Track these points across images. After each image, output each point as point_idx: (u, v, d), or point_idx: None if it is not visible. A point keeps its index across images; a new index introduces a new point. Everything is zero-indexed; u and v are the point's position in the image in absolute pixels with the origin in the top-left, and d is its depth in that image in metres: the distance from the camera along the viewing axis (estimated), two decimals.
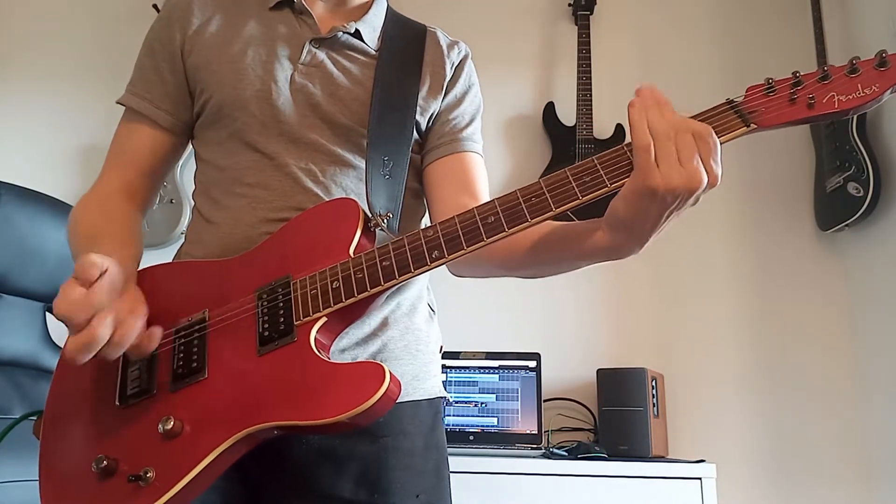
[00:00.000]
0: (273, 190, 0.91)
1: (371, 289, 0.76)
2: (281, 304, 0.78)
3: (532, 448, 2.00)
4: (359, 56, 1.00)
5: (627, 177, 0.71)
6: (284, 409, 0.72)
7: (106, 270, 0.74)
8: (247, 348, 0.78)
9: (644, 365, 2.02)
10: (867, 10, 2.28)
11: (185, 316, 0.83)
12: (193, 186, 1.03)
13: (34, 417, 0.87)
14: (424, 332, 0.97)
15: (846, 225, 2.17)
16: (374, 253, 0.78)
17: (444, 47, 1.06)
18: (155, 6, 2.49)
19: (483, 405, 2.09)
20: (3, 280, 1.54)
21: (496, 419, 2.07)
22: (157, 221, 2.42)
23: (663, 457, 2.00)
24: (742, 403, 2.24)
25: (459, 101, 1.04)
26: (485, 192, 1.00)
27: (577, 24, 2.49)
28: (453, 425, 2.05)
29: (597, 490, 1.77)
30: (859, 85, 0.71)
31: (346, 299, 0.76)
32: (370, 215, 0.85)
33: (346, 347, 0.88)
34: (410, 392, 0.91)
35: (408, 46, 1.04)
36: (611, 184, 0.72)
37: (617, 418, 1.96)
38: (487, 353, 2.15)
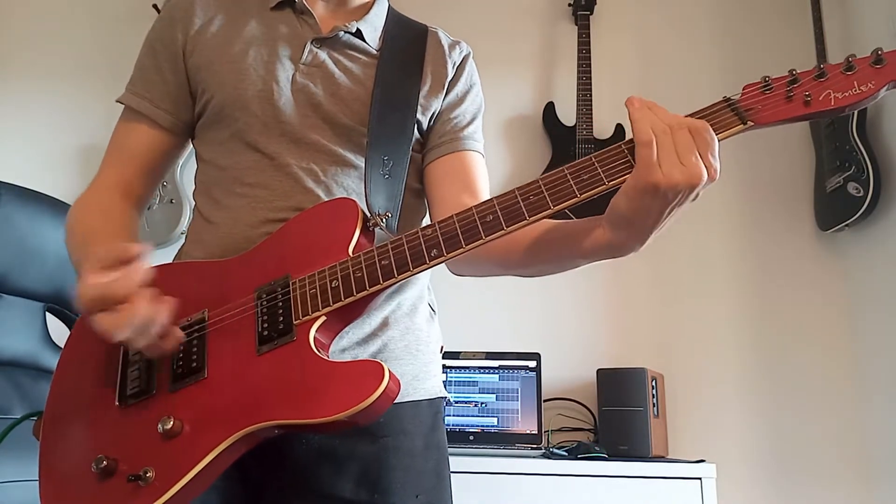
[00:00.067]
0: (273, 190, 0.91)
1: (370, 288, 0.76)
2: (280, 304, 0.78)
3: (532, 448, 2.00)
4: (360, 56, 1.00)
5: (625, 175, 0.72)
6: (284, 408, 0.72)
7: (138, 254, 0.74)
8: (246, 348, 0.78)
9: (644, 365, 2.02)
10: (867, 10, 2.28)
11: (184, 316, 0.83)
12: (194, 186, 1.03)
13: (34, 418, 0.87)
14: (425, 332, 0.97)
15: (846, 225, 2.17)
16: (373, 252, 0.78)
17: (446, 47, 1.06)
18: (155, 6, 2.49)
19: (483, 405, 2.09)
20: (3, 280, 1.54)
21: (496, 419, 2.07)
22: (157, 221, 2.42)
23: (663, 457, 2.00)
24: (742, 403, 2.24)
25: (461, 101, 1.04)
26: (486, 191, 1.00)
27: (577, 24, 2.49)
28: (453, 425, 2.05)
29: (597, 490, 1.77)
30: (855, 82, 0.72)
31: (345, 298, 0.76)
32: (369, 215, 0.85)
33: (347, 347, 0.88)
34: (411, 392, 0.92)
35: (409, 46, 1.04)
36: (608, 181, 0.73)
37: (617, 418, 1.96)
38: (487, 353, 2.15)
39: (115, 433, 0.79)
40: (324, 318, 0.76)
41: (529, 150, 2.49)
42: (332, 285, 0.77)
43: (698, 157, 0.69)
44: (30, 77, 2.70)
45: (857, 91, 0.71)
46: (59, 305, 1.64)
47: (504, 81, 2.52)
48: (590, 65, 2.43)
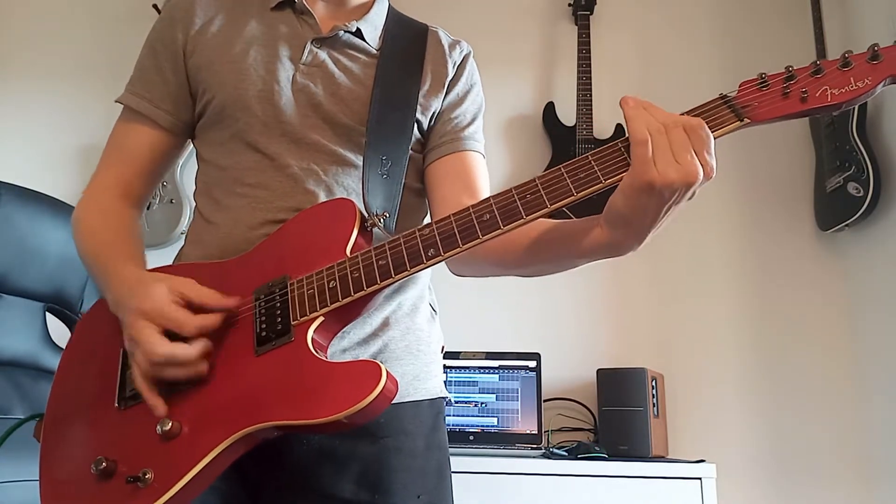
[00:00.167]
0: (274, 190, 0.91)
1: (367, 288, 0.76)
2: (278, 305, 0.78)
3: (532, 448, 2.00)
4: (360, 55, 1.00)
5: (622, 173, 0.72)
6: (282, 408, 0.72)
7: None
8: (244, 349, 0.78)
9: (644, 365, 2.02)
10: (867, 10, 2.28)
11: None
12: (194, 186, 1.03)
13: (37, 419, 0.88)
14: (426, 332, 0.97)
15: (846, 225, 2.17)
16: (370, 252, 0.78)
17: (446, 46, 1.06)
18: (155, 6, 2.49)
19: (483, 405, 2.09)
20: (3, 280, 1.54)
21: (496, 419, 2.07)
22: (157, 221, 2.42)
23: (663, 457, 2.00)
24: (742, 403, 2.24)
25: (461, 100, 1.04)
26: (486, 191, 1.00)
27: (577, 24, 2.49)
28: (453, 425, 2.05)
29: (597, 490, 1.77)
30: (852, 78, 0.71)
31: (342, 298, 0.76)
32: (367, 215, 0.85)
33: (348, 347, 0.88)
34: (411, 392, 0.91)
35: (409, 45, 1.04)
36: (605, 180, 0.72)
37: (617, 418, 1.96)
38: (487, 353, 2.15)
39: (115, 434, 0.79)
40: (322, 318, 0.76)
41: (529, 150, 2.49)
42: (330, 286, 0.77)
43: (694, 155, 0.69)
44: (30, 77, 2.70)
45: (854, 87, 0.71)
46: (59, 305, 1.65)
47: (504, 81, 2.52)
48: (590, 65, 2.43)
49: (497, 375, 2.11)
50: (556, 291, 2.33)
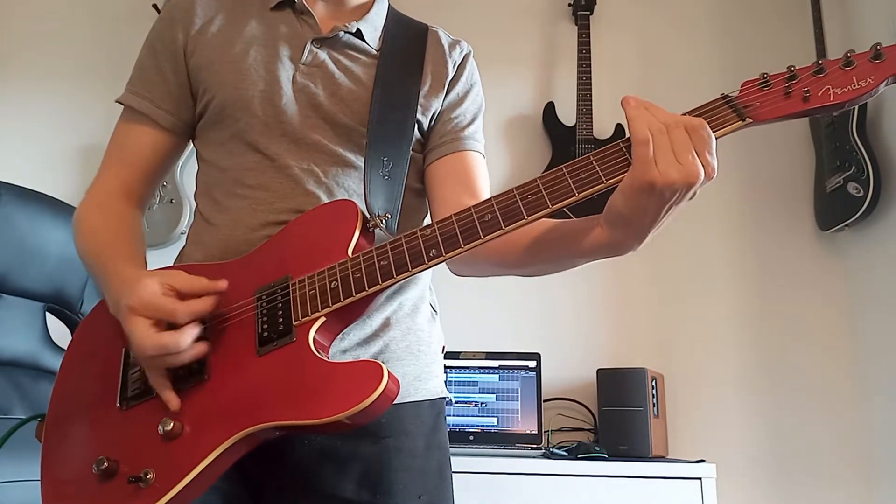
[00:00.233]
0: (274, 192, 0.91)
1: (369, 288, 0.76)
2: (280, 305, 0.78)
3: (532, 448, 2.00)
4: (360, 56, 1.00)
5: (623, 173, 0.71)
6: (284, 408, 0.72)
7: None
8: (246, 349, 0.78)
9: (644, 365, 2.02)
10: (867, 10, 2.28)
11: None
12: (194, 186, 1.03)
13: (39, 419, 0.88)
14: (426, 332, 0.97)
15: (846, 225, 2.17)
16: (372, 253, 0.78)
17: (446, 46, 1.06)
18: (155, 6, 2.49)
19: (483, 405, 2.09)
20: (3, 280, 1.54)
21: (496, 419, 2.07)
22: (157, 221, 2.42)
23: (663, 457, 2.00)
24: (742, 403, 2.24)
25: (461, 100, 1.04)
26: (486, 191, 1.00)
27: (577, 24, 2.49)
28: (453, 425, 2.05)
29: (597, 490, 1.77)
30: (854, 77, 0.71)
31: (344, 299, 0.76)
32: (368, 216, 0.85)
33: (349, 348, 0.88)
34: (412, 392, 0.91)
35: (409, 45, 1.04)
36: (607, 180, 0.72)
37: (617, 418, 1.96)
38: (487, 353, 2.15)
39: (116, 435, 0.79)
40: (323, 318, 0.76)
41: (529, 150, 2.49)
42: (332, 286, 0.77)
43: (695, 155, 0.69)
44: (30, 77, 2.70)
45: (857, 86, 0.71)
46: (59, 305, 1.65)
47: (504, 81, 2.52)
48: (590, 65, 2.43)
49: (497, 375, 2.11)
50: (556, 291, 2.33)
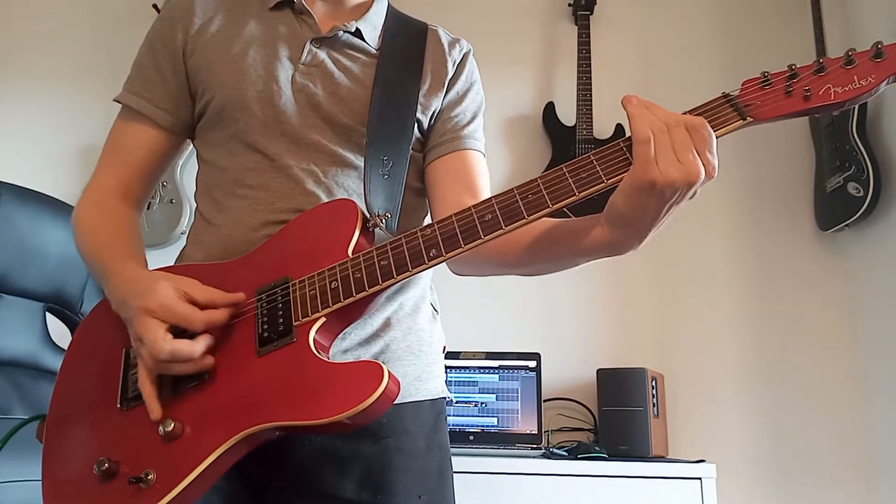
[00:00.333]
0: (274, 192, 0.91)
1: (369, 288, 0.76)
2: (280, 305, 0.78)
3: (532, 448, 2.00)
4: (359, 55, 1.00)
5: (623, 173, 0.71)
6: (284, 409, 0.72)
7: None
8: (246, 349, 0.78)
9: (644, 365, 2.02)
10: (867, 10, 2.28)
11: None
12: (194, 186, 1.03)
13: (39, 420, 0.88)
14: (427, 332, 0.97)
15: (846, 225, 2.17)
16: (372, 253, 0.78)
17: (446, 45, 1.06)
18: (155, 6, 2.49)
19: (483, 405, 2.09)
20: (3, 280, 1.54)
21: (496, 419, 2.07)
22: (156, 221, 2.41)
23: (663, 457, 2.00)
24: (742, 403, 2.24)
25: (461, 99, 1.04)
26: (486, 190, 1.00)
27: (577, 24, 2.49)
28: (453, 425, 2.05)
29: (597, 490, 1.77)
30: (855, 76, 0.71)
31: (344, 299, 0.76)
32: (368, 215, 0.85)
33: (349, 348, 0.88)
34: (413, 393, 0.91)
35: (409, 44, 1.03)
36: (607, 179, 0.72)
37: (617, 418, 1.96)
38: (487, 353, 2.14)
39: (117, 435, 0.79)
40: (323, 319, 0.76)
41: (529, 150, 2.49)
42: (332, 286, 0.77)
43: (696, 154, 0.69)
44: (30, 77, 2.70)
45: (858, 85, 0.70)
46: (59, 305, 1.64)
47: (504, 81, 2.52)
48: (590, 65, 2.43)
49: (497, 375, 2.11)
50: (556, 291, 2.33)
